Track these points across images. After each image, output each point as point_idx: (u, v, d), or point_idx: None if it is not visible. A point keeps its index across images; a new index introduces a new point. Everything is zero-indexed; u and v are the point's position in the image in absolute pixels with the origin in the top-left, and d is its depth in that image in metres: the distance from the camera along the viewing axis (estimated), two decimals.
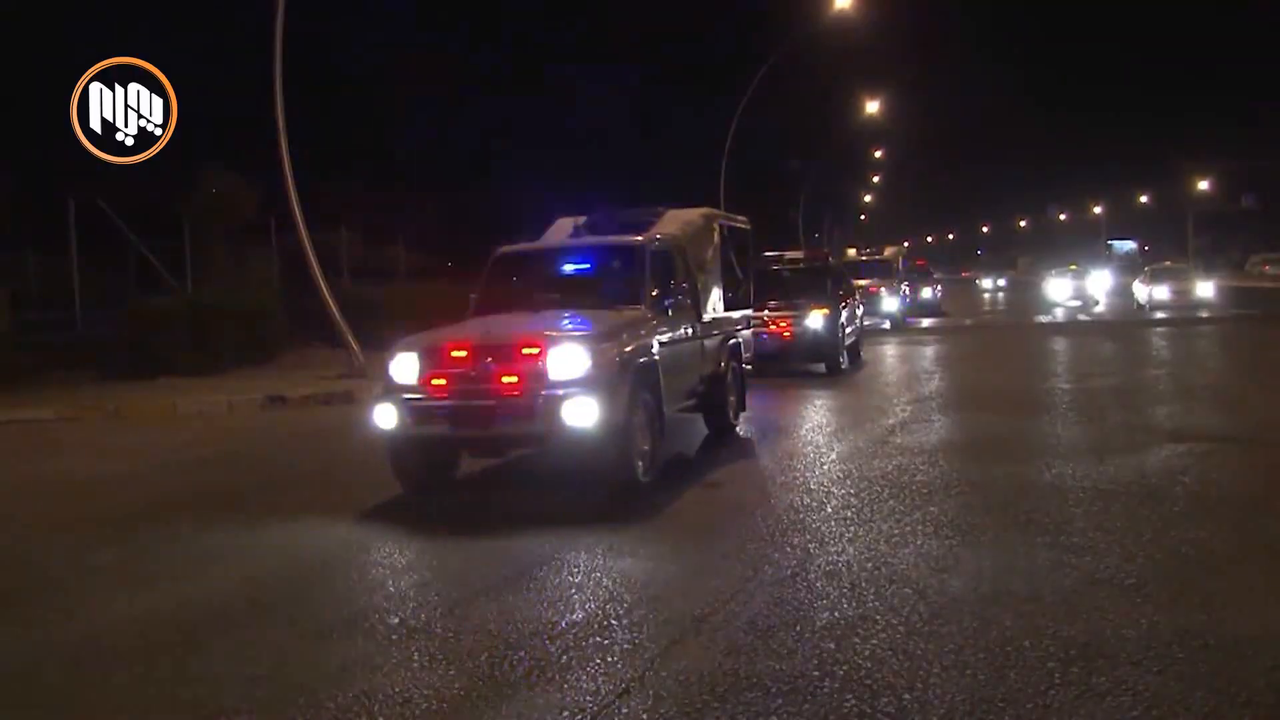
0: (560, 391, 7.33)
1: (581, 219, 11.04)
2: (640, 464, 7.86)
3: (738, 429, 10.77)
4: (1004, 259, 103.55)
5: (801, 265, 18.97)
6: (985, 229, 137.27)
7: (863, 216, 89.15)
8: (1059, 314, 36.60)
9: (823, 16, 32.55)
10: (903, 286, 30.40)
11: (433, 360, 7.73)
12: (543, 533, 6.77)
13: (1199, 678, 4.07)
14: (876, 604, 5.14)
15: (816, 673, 4.27)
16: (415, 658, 4.66)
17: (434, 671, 4.48)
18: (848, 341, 17.71)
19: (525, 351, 7.57)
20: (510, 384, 7.48)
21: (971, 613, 4.93)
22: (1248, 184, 64.46)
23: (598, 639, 4.80)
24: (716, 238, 11.17)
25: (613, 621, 5.03)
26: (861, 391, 14.85)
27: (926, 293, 36.86)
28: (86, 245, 21.79)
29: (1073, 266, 54.82)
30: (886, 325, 27.76)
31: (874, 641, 4.61)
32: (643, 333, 8.46)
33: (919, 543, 6.26)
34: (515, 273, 9.93)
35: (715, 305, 10.65)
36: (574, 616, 5.14)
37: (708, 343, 10.06)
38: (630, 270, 9.28)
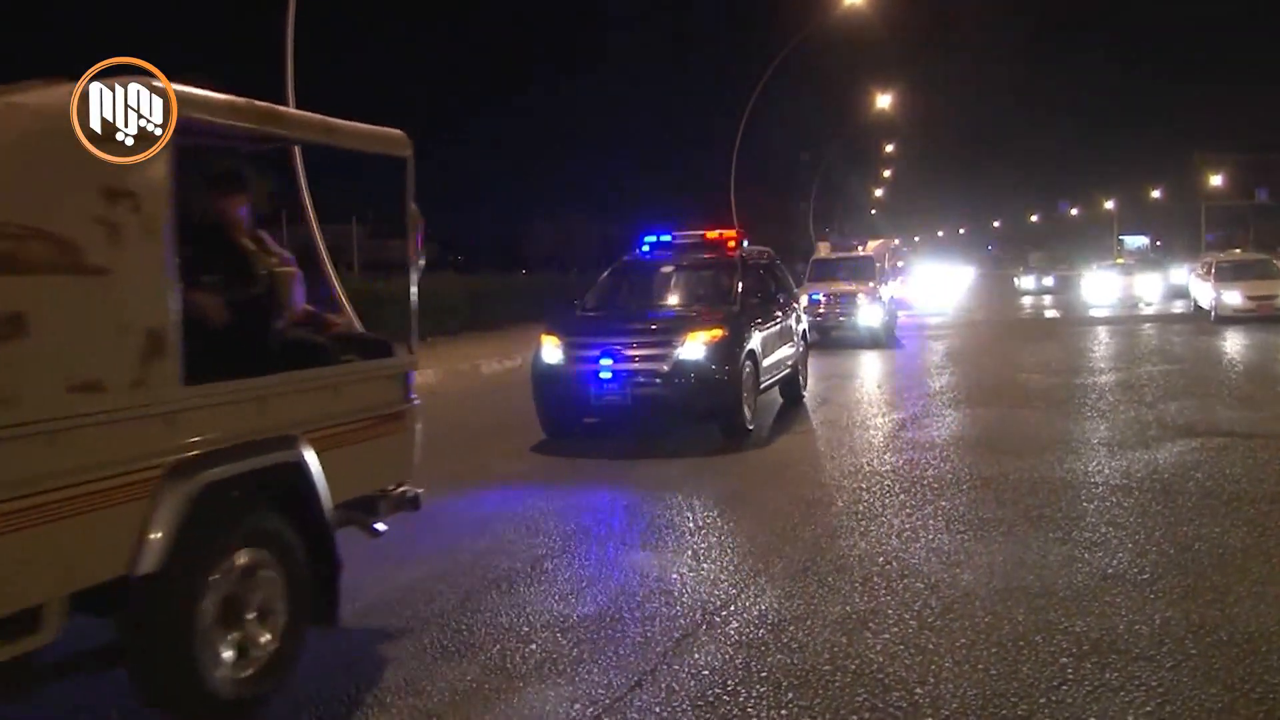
0: None
1: None
2: None
3: None
4: (1017, 254, 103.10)
5: (695, 259, 11.75)
6: (996, 224, 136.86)
7: (873, 211, 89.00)
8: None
9: (835, 10, 32.45)
10: (888, 290, 22.19)
11: None
12: None
13: (1212, 673, 4.06)
14: (888, 598, 5.14)
15: (828, 667, 4.27)
16: (429, 649, 4.68)
17: (446, 663, 4.49)
18: (769, 381, 10.98)
19: None
20: None
21: (984, 607, 4.93)
22: (1262, 178, 64.06)
23: (609, 632, 4.81)
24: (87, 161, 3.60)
25: (624, 615, 5.04)
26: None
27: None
28: None
29: (1119, 260, 46.79)
30: (870, 339, 20.56)
31: (885, 636, 4.61)
32: None
33: (930, 537, 6.26)
34: None
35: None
36: (586, 609, 5.15)
37: None
38: None
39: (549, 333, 10.20)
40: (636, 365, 9.60)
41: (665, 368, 9.55)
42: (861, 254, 23.61)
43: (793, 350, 12.06)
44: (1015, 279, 53.16)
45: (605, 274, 12.16)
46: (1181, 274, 36.36)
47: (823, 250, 24.97)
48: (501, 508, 7.41)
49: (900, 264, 33.03)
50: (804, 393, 12.61)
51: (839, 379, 15.05)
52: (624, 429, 10.20)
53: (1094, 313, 30.20)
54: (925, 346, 20.45)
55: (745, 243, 11.82)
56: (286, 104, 16.05)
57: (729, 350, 9.77)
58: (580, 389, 9.71)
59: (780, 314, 11.72)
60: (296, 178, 16.56)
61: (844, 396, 12.32)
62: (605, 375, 9.57)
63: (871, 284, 21.38)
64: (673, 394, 9.62)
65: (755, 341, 10.34)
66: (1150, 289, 36.54)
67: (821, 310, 20.54)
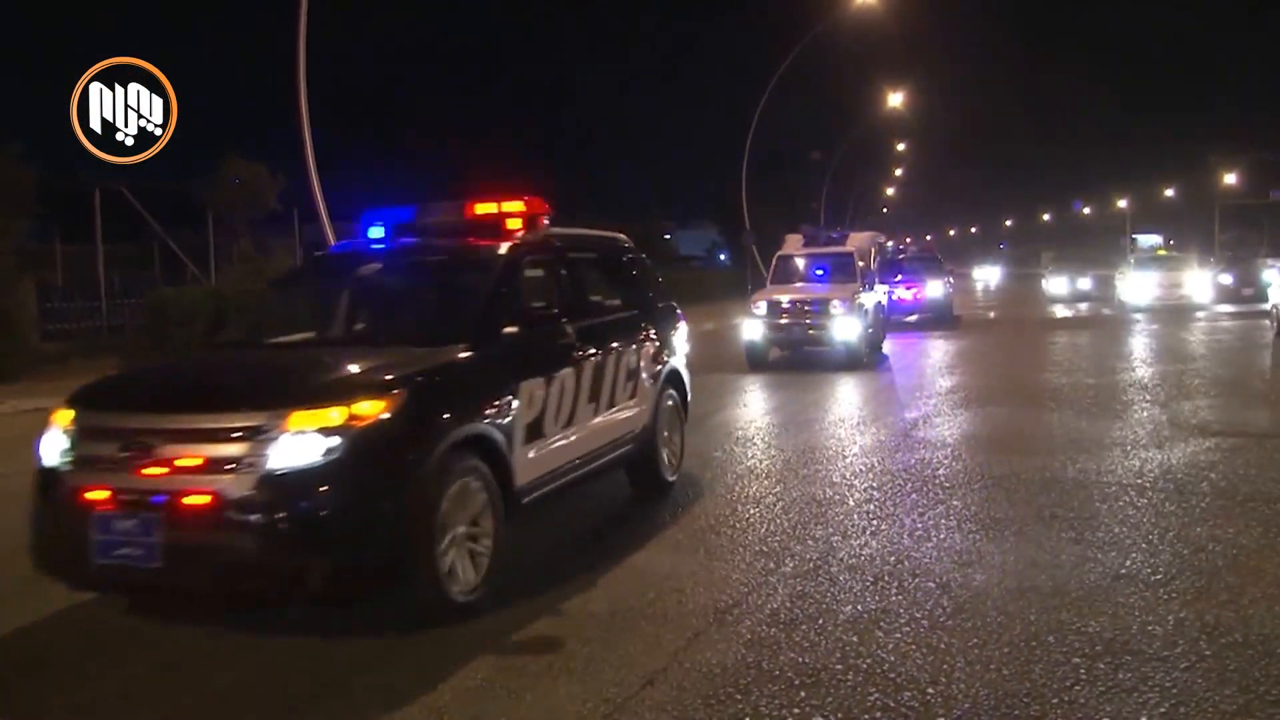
0: None
1: None
2: None
3: None
4: (1029, 252, 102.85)
5: (434, 255, 6.73)
6: (1009, 222, 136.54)
7: (885, 209, 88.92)
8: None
9: (846, 9, 32.43)
10: (872, 296, 18.11)
11: None
12: None
13: (1227, 674, 4.04)
14: (899, 598, 5.12)
15: (839, 666, 4.26)
16: (438, 646, 4.68)
17: (457, 661, 4.50)
18: (563, 476, 6.13)
19: None
20: None
21: (995, 607, 4.91)
22: (1277, 178, 63.68)
23: (621, 630, 4.81)
24: None
25: (636, 613, 5.03)
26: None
27: (936, 289, 26.54)
28: (112, 235, 22.01)
29: (1161, 251, 39.34)
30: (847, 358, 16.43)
31: (897, 635, 4.60)
32: None
33: (942, 536, 6.24)
34: None
35: None
36: (597, 608, 5.15)
37: None
38: None
39: (68, 401, 5.09)
40: (177, 484, 4.54)
41: (241, 490, 4.49)
42: (840, 250, 18.91)
43: (636, 410, 7.11)
44: (1043, 280, 43.10)
45: (282, 278, 8.16)
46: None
47: (790, 245, 19.74)
48: None
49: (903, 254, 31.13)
50: (671, 477, 7.63)
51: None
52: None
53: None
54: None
55: (545, 221, 6.71)
56: (299, 107, 16.11)
57: (404, 440, 4.79)
58: (74, 525, 4.69)
59: (599, 350, 6.62)
60: (309, 176, 16.62)
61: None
62: (123, 501, 4.60)
63: (850, 287, 17.09)
64: (256, 547, 4.52)
65: (512, 411, 5.46)
66: (1200, 286, 29.59)
67: (785, 321, 16.72)
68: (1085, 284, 39.16)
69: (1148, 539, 5.99)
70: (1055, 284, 40.08)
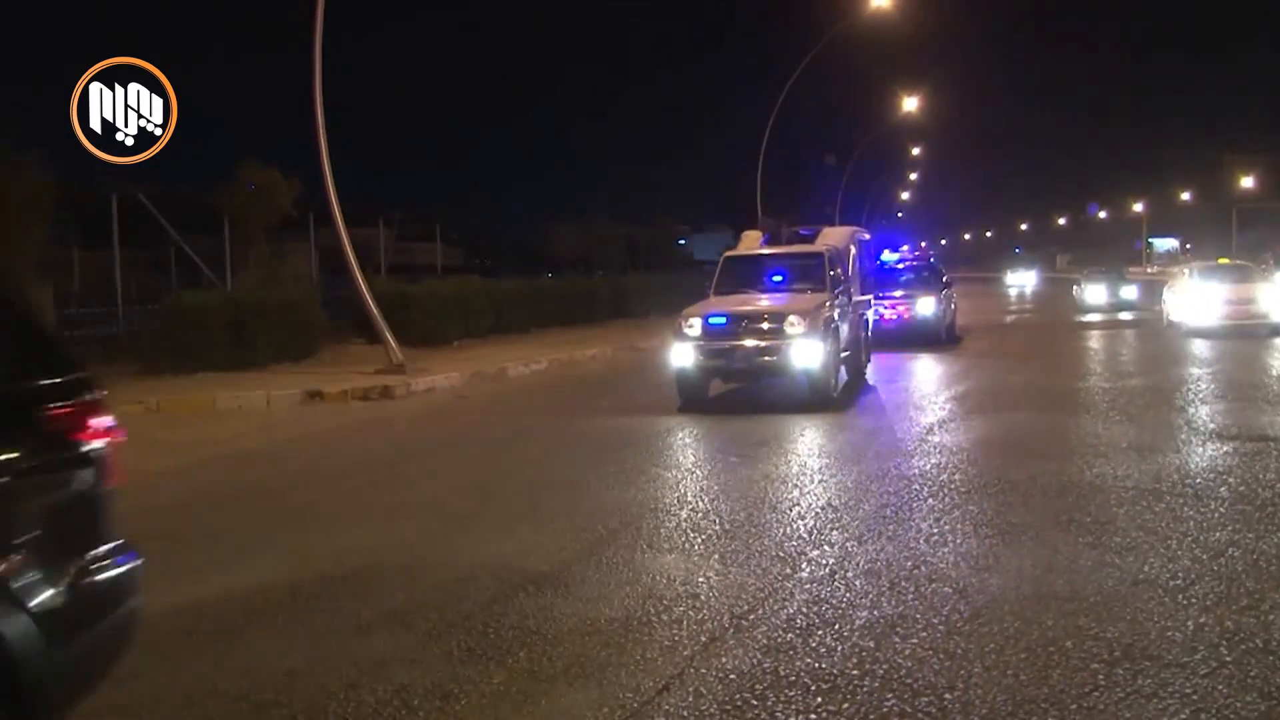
0: None
1: None
2: None
3: None
4: (1044, 255, 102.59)
5: None
6: (1024, 227, 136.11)
7: (899, 214, 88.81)
8: None
9: (860, 14, 32.41)
10: (847, 309, 14.09)
11: None
12: None
13: (1248, 681, 4.00)
14: (916, 603, 5.11)
15: (856, 672, 4.25)
16: (455, 652, 4.68)
17: (473, 666, 4.50)
18: None
19: None
20: None
21: (1013, 612, 4.88)
22: None
23: (636, 635, 4.80)
24: None
25: (651, 618, 5.03)
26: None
27: (926, 306, 21.27)
28: (128, 240, 22.11)
29: (1223, 260, 29.73)
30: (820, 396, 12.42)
31: (914, 640, 4.58)
32: None
33: (958, 541, 6.22)
34: None
35: None
36: (612, 613, 5.14)
37: None
38: None
39: None
40: None
41: None
42: (806, 250, 14.65)
43: None
44: (1075, 288, 35.83)
45: None
46: None
47: (746, 243, 15.99)
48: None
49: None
50: None
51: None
52: None
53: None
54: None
55: None
56: (315, 109, 16.19)
57: None
58: None
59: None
60: (324, 181, 16.69)
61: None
62: None
63: (815, 298, 13.10)
64: None
65: None
66: (1277, 302, 21.64)
67: (726, 344, 12.52)
68: (1128, 293, 32.34)
69: (1166, 544, 5.95)
70: (1092, 293, 32.90)
